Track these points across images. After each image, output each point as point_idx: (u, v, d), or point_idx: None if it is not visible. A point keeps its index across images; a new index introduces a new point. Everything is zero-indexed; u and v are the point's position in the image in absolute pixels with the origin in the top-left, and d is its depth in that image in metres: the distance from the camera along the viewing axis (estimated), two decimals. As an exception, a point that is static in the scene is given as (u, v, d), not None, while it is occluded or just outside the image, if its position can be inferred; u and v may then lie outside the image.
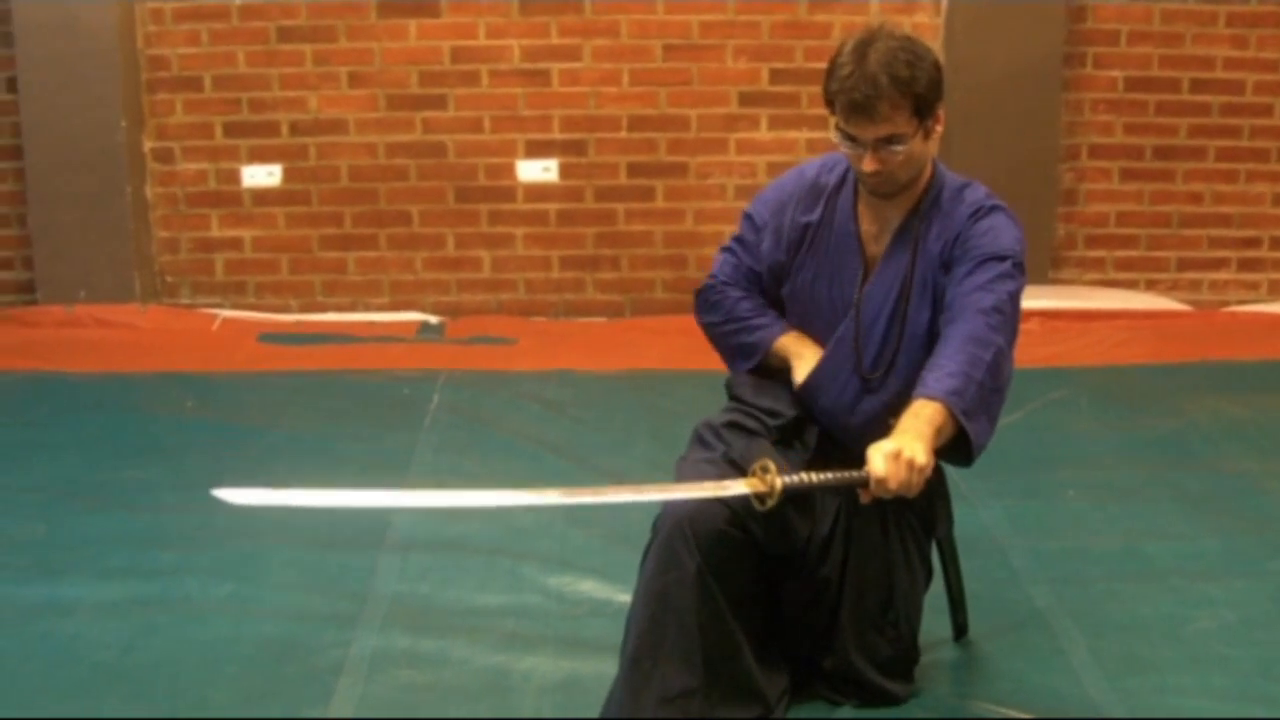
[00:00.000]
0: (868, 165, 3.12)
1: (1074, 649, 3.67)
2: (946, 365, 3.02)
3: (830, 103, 3.13)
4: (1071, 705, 3.40)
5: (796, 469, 3.18)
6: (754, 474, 2.96)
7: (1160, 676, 3.53)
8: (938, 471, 3.41)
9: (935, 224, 3.24)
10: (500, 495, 3.09)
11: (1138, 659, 3.62)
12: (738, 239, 3.48)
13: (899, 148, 3.09)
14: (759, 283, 3.46)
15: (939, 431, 2.94)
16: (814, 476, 2.98)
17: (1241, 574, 4.10)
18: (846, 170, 3.34)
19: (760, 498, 2.94)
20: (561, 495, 3.39)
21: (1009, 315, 3.13)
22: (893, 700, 3.36)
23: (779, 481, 2.93)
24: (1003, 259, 3.15)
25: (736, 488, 2.99)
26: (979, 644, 3.69)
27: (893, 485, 2.84)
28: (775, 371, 3.44)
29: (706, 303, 3.54)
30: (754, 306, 3.46)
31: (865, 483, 2.89)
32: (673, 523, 3.09)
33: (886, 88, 3.02)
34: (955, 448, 3.04)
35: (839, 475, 2.99)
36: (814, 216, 3.35)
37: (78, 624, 3.79)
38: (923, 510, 3.37)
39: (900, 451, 2.84)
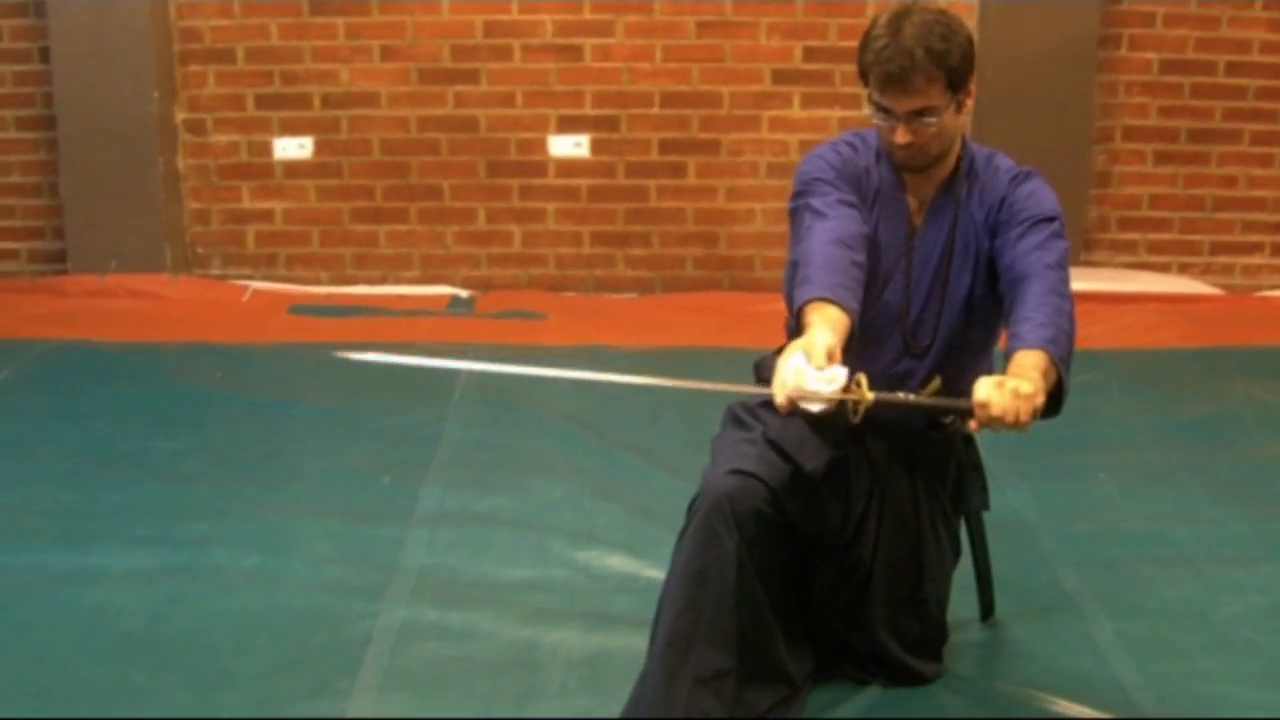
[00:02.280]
0: (900, 138, 3.12)
1: (1102, 632, 3.65)
2: (1035, 317, 2.99)
3: (864, 75, 3.13)
4: (1099, 689, 3.38)
5: (833, 447, 3.17)
6: (850, 388, 2.92)
7: (1189, 661, 3.52)
8: (969, 443, 3.40)
9: (975, 191, 3.25)
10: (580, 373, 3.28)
11: (1166, 643, 3.61)
12: (819, 191, 3.24)
13: (932, 120, 3.09)
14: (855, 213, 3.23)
15: (1045, 376, 2.90)
16: (912, 397, 2.97)
17: (1271, 560, 4.08)
18: (877, 143, 3.32)
19: (854, 408, 2.91)
20: (644, 380, 3.31)
21: (1067, 272, 3.13)
22: (920, 680, 3.36)
23: (870, 395, 2.90)
24: (1050, 220, 3.16)
25: (833, 387, 2.86)
26: (1007, 626, 3.68)
27: (995, 411, 2.79)
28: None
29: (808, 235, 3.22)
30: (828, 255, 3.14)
31: (968, 411, 2.86)
32: (713, 501, 3.07)
33: (922, 60, 3.02)
34: (1048, 397, 2.96)
35: (940, 400, 2.97)
36: (874, 180, 3.32)
37: (106, 592, 3.80)
38: (954, 487, 3.37)
39: (1005, 381, 2.81)
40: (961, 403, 2.90)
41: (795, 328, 3.04)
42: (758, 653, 3.10)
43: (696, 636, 3.03)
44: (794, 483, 3.11)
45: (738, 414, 3.34)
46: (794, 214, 3.28)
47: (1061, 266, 3.10)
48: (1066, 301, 3.05)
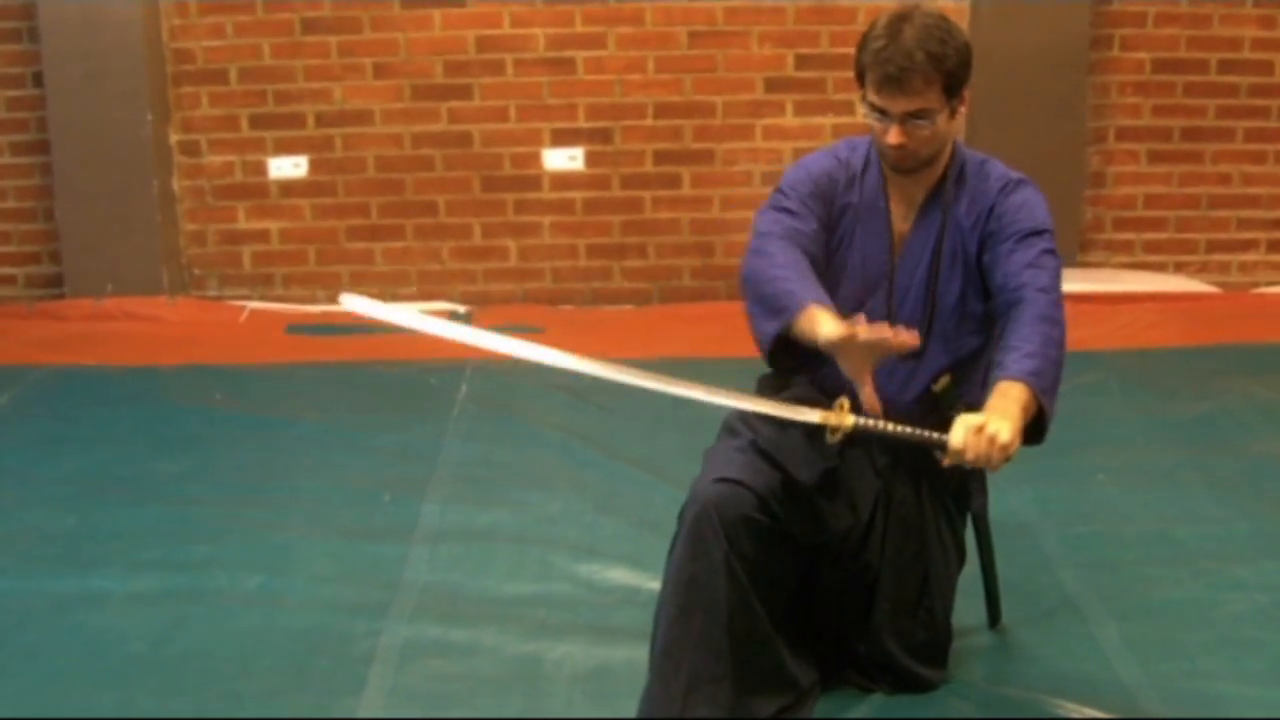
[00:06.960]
0: (893, 138, 3.13)
1: (1105, 634, 3.66)
2: (1023, 346, 3.00)
3: (860, 75, 3.16)
4: (1104, 690, 3.38)
5: (827, 458, 3.18)
6: (834, 408, 3.00)
7: (1192, 661, 3.52)
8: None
9: (963, 198, 3.26)
10: (579, 361, 3.46)
11: (1169, 643, 3.61)
12: (779, 207, 3.35)
13: (925, 123, 3.12)
14: (804, 242, 3.32)
15: (1025, 411, 2.92)
16: (891, 426, 3.02)
17: (1273, 556, 4.08)
18: (868, 152, 3.34)
19: (832, 429, 2.99)
20: (628, 374, 3.40)
21: (1061, 290, 3.14)
22: (925, 686, 3.36)
23: (850, 419, 2.97)
24: (1041, 233, 3.17)
25: (811, 415, 3.06)
26: (1010, 629, 3.68)
27: (969, 457, 2.85)
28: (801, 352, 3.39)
29: (758, 251, 3.31)
30: (799, 260, 3.27)
31: (943, 446, 2.91)
32: (699, 509, 3.08)
33: (921, 62, 3.05)
34: (1030, 427, 3.00)
35: (917, 433, 3.01)
36: (853, 198, 3.34)
37: (109, 616, 3.80)
38: (957, 490, 3.37)
39: (984, 426, 2.84)
40: (936, 438, 2.95)
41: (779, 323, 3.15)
42: (756, 659, 3.10)
43: (689, 644, 3.04)
44: (785, 490, 3.11)
45: (732, 424, 3.34)
46: (761, 212, 3.37)
47: (1054, 288, 3.11)
48: (1057, 329, 3.06)
